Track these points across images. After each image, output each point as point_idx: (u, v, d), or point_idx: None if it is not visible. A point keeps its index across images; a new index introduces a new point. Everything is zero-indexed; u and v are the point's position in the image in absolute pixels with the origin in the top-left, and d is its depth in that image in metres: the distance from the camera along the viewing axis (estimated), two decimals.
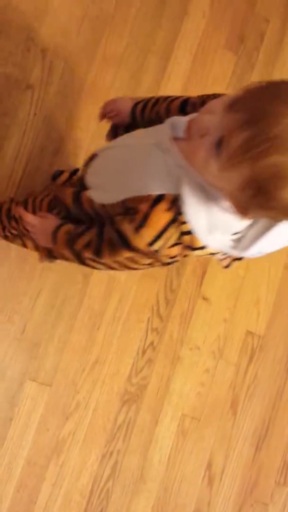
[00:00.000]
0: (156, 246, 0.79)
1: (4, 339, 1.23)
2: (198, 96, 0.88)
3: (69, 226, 0.92)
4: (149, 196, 0.78)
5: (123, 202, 0.82)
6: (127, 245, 0.82)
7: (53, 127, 1.29)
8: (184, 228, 0.78)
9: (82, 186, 0.93)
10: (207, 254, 0.84)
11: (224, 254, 0.86)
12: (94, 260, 0.91)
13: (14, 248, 1.21)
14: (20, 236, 1.09)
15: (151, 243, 0.79)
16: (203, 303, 1.46)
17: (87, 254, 0.90)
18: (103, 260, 0.90)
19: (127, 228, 0.81)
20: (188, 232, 0.78)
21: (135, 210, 0.79)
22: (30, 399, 1.24)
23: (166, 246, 0.79)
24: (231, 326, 1.49)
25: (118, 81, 1.39)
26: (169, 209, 0.77)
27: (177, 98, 0.92)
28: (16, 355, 1.24)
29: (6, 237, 1.14)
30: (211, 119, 0.71)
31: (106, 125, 1.02)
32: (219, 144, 0.68)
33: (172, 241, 0.79)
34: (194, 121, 0.74)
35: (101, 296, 1.34)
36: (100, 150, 0.93)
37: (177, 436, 1.40)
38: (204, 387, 1.44)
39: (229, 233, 0.80)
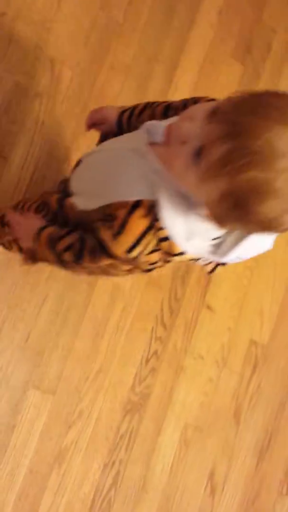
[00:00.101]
0: (134, 253, 0.79)
1: (8, 347, 1.23)
2: (180, 100, 0.88)
3: (53, 228, 0.92)
4: (126, 202, 0.77)
5: (102, 208, 0.81)
6: (106, 252, 0.82)
7: (60, 135, 1.29)
8: (162, 234, 0.77)
9: (67, 192, 0.93)
10: (189, 260, 0.83)
11: (206, 259, 0.85)
12: (74, 264, 0.90)
13: (19, 256, 1.21)
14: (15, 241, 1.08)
15: (129, 250, 0.78)
16: (207, 312, 1.46)
17: (68, 257, 0.89)
18: (83, 265, 0.89)
19: (106, 235, 0.80)
20: (166, 238, 0.77)
21: (113, 216, 0.78)
22: (33, 407, 1.24)
23: (144, 252, 0.79)
24: (235, 336, 1.49)
25: (125, 90, 1.39)
26: (146, 215, 0.76)
27: (161, 103, 0.91)
28: (20, 363, 1.24)
29: (3, 245, 1.14)
30: (191, 126, 0.69)
31: None
32: (199, 154, 0.67)
33: (151, 247, 0.78)
34: (174, 126, 0.72)
35: (105, 304, 1.34)
36: (85, 155, 0.93)
37: (180, 445, 1.40)
38: (207, 397, 1.44)
39: (208, 239, 0.79)
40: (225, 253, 0.80)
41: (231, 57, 1.56)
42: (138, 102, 0.96)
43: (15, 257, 1.22)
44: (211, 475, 1.44)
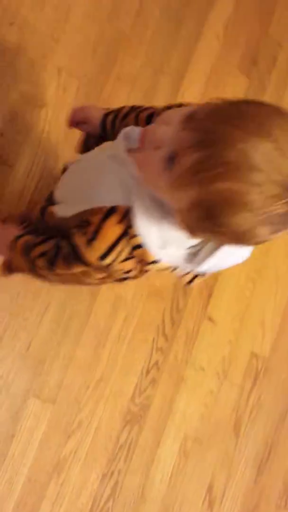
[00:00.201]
0: (107, 260, 0.77)
1: (9, 355, 1.23)
2: (165, 106, 0.86)
3: (29, 236, 0.91)
4: (101, 208, 0.76)
5: (79, 214, 0.80)
6: (80, 259, 0.80)
7: (66, 145, 1.30)
8: (136, 241, 0.75)
9: (51, 200, 0.92)
10: (166, 270, 0.81)
11: (183, 269, 0.83)
12: (47, 271, 0.89)
13: None
14: None
15: (102, 257, 0.77)
16: (208, 324, 1.45)
17: (41, 263, 0.88)
18: (56, 272, 0.88)
19: (80, 240, 0.79)
20: (140, 246, 0.75)
21: (88, 222, 0.77)
22: (33, 416, 1.24)
23: (118, 260, 0.77)
24: (236, 348, 1.49)
25: (131, 100, 1.40)
26: (120, 222, 0.75)
27: (146, 109, 0.89)
28: (21, 372, 1.24)
29: None
30: (166, 131, 0.67)
31: None
32: (172, 159, 0.65)
33: (124, 255, 0.77)
34: (148, 130, 0.71)
35: (107, 313, 1.34)
36: (70, 163, 0.92)
37: (179, 457, 1.39)
38: (208, 409, 1.43)
39: (184, 247, 0.77)
40: (201, 262, 0.78)
41: (237, 69, 1.57)
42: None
43: None
44: (210, 488, 1.43)
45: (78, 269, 0.84)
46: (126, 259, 0.77)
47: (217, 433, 1.44)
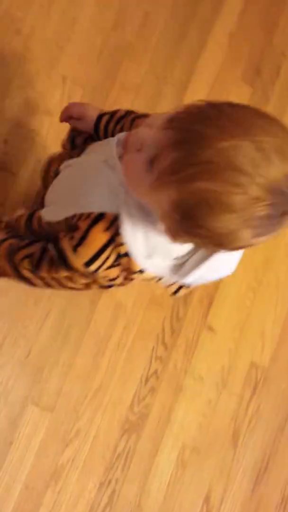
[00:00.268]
0: (93, 267, 0.77)
1: (8, 362, 1.23)
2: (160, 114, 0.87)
3: (14, 240, 0.91)
4: (90, 214, 0.75)
5: (67, 219, 0.80)
6: (65, 264, 0.80)
7: None
8: (122, 250, 0.75)
9: (42, 204, 0.92)
10: (151, 280, 0.81)
11: (169, 279, 0.82)
12: (31, 274, 0.88)
13: None
14: None
15: (88, 263, 0.77)
16: (208, 333, 1.45)
17: (25, 265, 0.87)
18: (40, 275, 0.87)
19: (67, 245, 0.79)
20: (126, 254, 0.75)
21: (76, 227, 0.77)
22: (32, 423, 1.24)
23: (103, 267, 0.77)
24: (236, 357, 1.49)
25: (135, 108, 1.40)
26: (107, 229, 0.74)
27: (144, 115, 0.89)
28: (20, 379, 1.24)
29: None
30: (148, 133, 0.67)
31: None
32: (152, 161, 0.65)
33: (110, 262, 0.76)
34: (132, 134, 0.71)
35: (107, 321, 1.34)
36: (62, 166, 0.91)
37: (177, 466, 1.39)
38: (206, 418, 1.43)
39: (170, 258, 0.77)
40: (186, 274, 0.77)
41: (240, 79, 1.57)
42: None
43: None
44: (207, 497, 1.42)
45: (63, 273, 0.84)
46: (112, 266, 0.77)
47: (215, 443, 1.44)
